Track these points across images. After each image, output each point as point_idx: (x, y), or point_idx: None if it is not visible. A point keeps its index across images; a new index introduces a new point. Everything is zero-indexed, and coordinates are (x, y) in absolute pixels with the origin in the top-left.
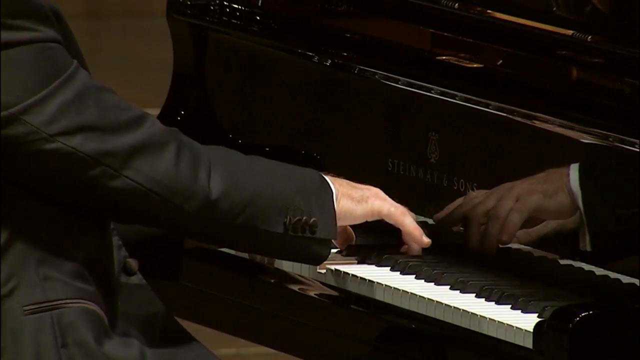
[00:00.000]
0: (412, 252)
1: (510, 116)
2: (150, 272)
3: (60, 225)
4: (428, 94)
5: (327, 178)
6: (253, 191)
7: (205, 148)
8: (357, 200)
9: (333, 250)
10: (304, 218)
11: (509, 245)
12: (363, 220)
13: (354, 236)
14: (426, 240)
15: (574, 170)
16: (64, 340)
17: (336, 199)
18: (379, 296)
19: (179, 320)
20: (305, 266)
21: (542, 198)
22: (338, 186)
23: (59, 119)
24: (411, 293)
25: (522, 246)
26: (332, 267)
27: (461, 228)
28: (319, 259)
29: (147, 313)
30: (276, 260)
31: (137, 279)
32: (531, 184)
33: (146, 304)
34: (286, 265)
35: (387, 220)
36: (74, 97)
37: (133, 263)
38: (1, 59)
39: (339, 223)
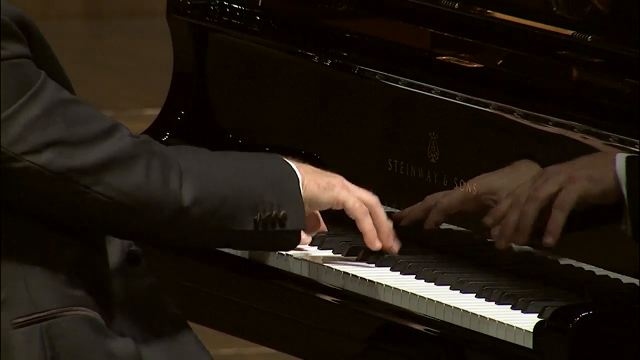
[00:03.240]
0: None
1: (511, 116)
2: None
3: (44, 235)
4: (428, 94)
5: (293, 164)
6: (224, 195)
7: (176, 153)
8: (323, 188)
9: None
10: (274, 212)
11: (509, 246)
12: (327, 208)
13: (325, 225)
14: (378, 244)
15: (620, 157)
16: (54, 352)
17: (302, 186)
18: (379, 296)
19: None
20: (306, 266)
21: (586, 184)
22: (304, 172)
23: (26, 137)
24: (411, 293)
25: (522, 246)
26: (332, 267)
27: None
28: (288, 248)
29: (151, 303)
30: (277, 260)
31: (142, 268)
32: (576, 169)
33: (151, 294)
34: (286, 266)
35: (347, 213)
36: (41, 114)
37: (138, 252)
38: None
39: (305, 209)
